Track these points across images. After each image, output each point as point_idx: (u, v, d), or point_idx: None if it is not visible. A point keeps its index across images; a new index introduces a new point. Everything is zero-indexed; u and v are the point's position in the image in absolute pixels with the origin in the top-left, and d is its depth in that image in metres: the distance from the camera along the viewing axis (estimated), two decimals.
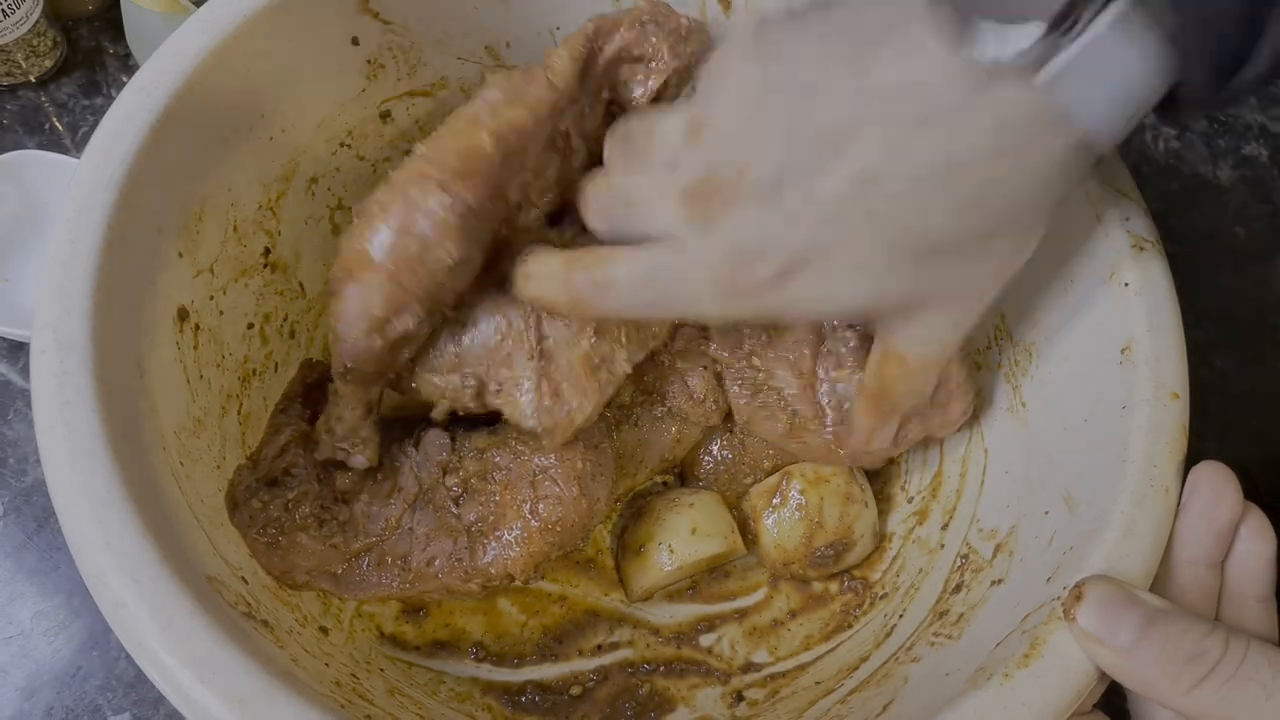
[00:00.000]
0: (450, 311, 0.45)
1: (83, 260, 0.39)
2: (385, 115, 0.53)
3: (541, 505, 0.46)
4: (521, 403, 0.45)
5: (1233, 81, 0.33)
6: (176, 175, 0.43)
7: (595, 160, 0.46)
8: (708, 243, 0.38)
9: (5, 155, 0.62)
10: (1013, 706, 0.35)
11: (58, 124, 0.68)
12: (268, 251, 0.50)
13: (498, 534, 0.46)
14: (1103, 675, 0.36)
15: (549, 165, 0.46)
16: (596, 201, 0.43)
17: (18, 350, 0.61)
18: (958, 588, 0.45)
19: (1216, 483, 0.37)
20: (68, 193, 0.40)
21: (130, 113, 0.41)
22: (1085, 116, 0.33)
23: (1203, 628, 0.33)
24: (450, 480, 0.48)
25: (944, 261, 0.37)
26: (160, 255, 0.43)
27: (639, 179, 0.41)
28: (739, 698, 0.50)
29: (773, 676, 0.50)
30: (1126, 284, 0.42)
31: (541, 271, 0.43)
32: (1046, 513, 0.42)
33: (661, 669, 0.51)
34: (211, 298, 0.46)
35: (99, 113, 0.68)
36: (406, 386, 0.47)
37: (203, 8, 0.44)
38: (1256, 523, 0.38)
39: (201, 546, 0.40)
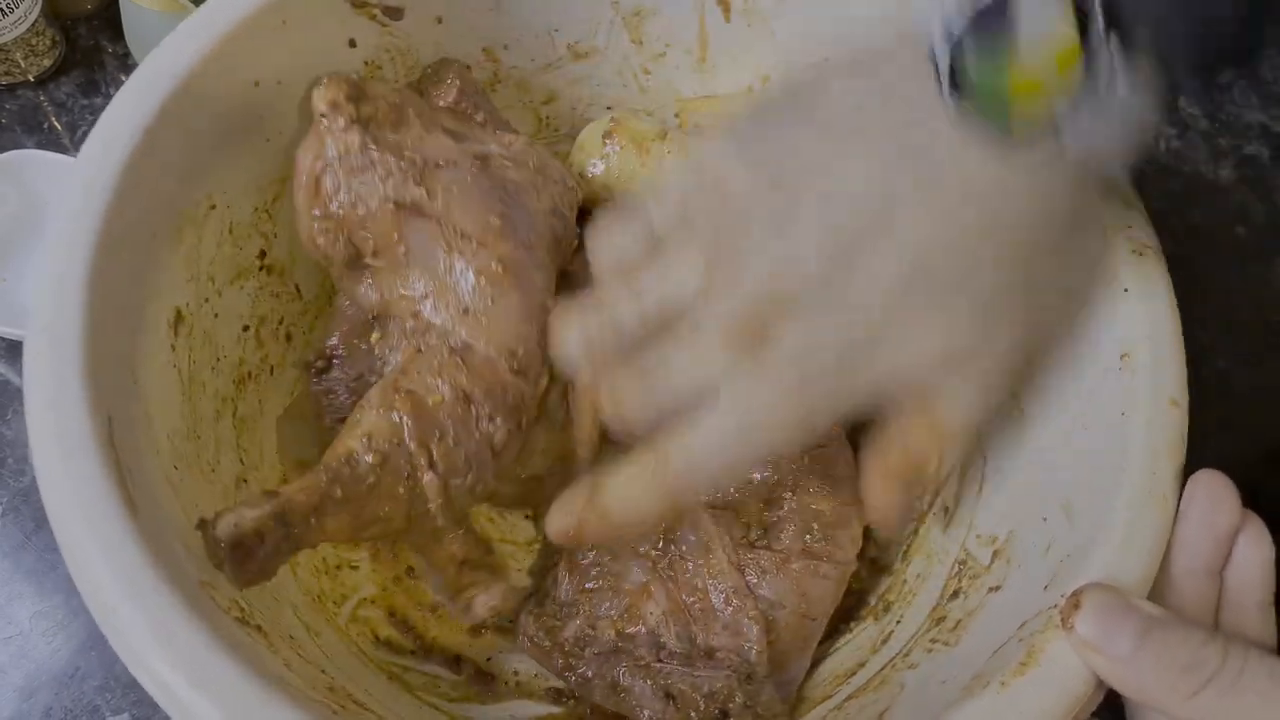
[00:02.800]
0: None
1: (77, 265, 0.39)
2: None
3: None
4: None
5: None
6: (172, 179, 0.43)
7: None
8: (775, 369, 0.37)
9: (4, 155, 0.62)
10: (1009, 715, 0.35)
11: (56, 123, 0.68)
12: (263, 254, 0.50)
13: None
14: (1100, 683, 0.35)
15: None
16: (636, 402, 0.40)
17: (17, 350, 0.61)
18: (955, 594, 0.45)
19: (1214, 490, 0.37)
20: (63, 196, 0.40)
21: (124, 117, 0.41)
22: (1107, 164, 0.36)
23: (1201, 636, 0.33)
24: None
25: (1001, 311, 0.38)
26: (155, 259, 0.43)
27: (671, 354, 0.39)
28: None
29: None
30: (1126, 289, 0.42)
31: (627, 491, 0.39)
32: (1044, 519, 0.42)
33: None
34: (206, 300, 0.46)
35: (98, 112, 0.67)
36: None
37: (200, 10, 0.44)
38: (1255, 530, 0.37)
39: (196, 551, 0.39)
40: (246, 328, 0.49)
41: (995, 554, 0.44)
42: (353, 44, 0.49)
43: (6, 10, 0.63)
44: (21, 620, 0.54)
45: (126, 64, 0.70)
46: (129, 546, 0.34)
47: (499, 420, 0.43)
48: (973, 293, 0.37)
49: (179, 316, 0.44)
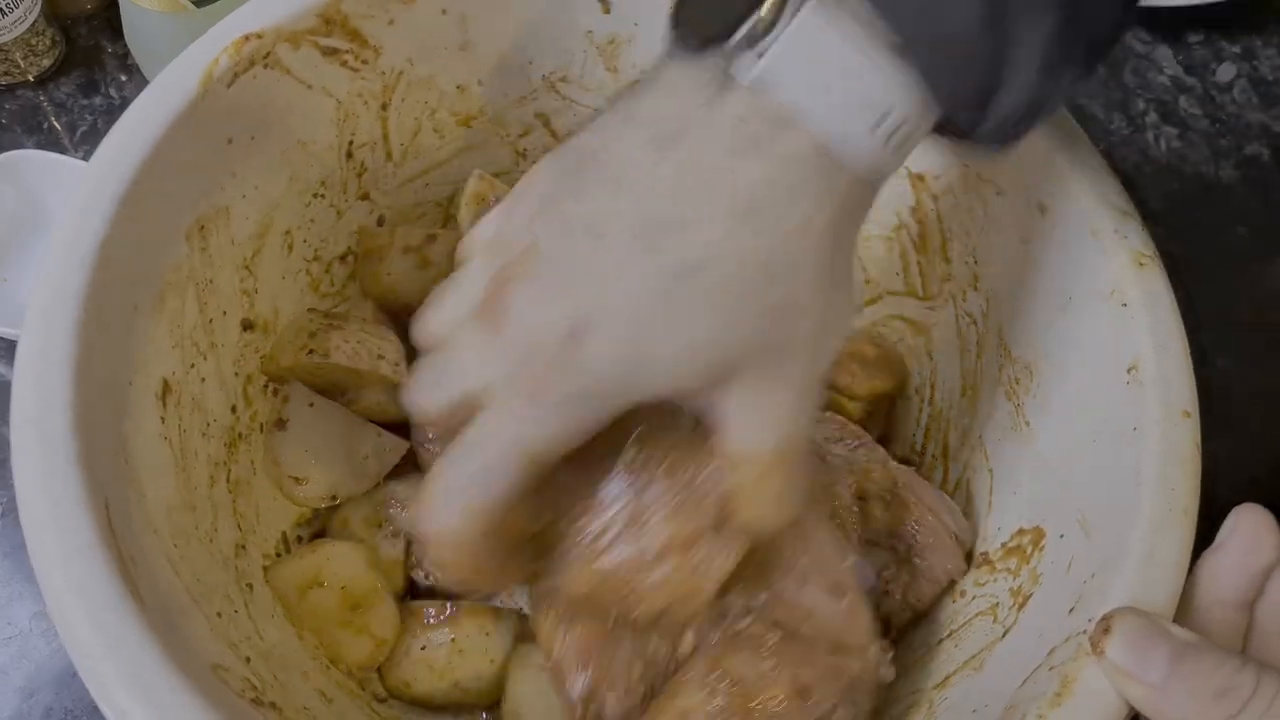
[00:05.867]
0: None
1: (59, 349, 0.37)
2: (361, 164, 0.52)
3: None
4: None
5: (989, 110, 0.33)
6: (149, 248, 0.42)
7: None
8: (504, 346, 0.35)
9: (3, 155, 0.62)
10: None
11: (56, 123, 0.68)
12: (246, 310, 0.49)
13: None
14: (1131, 710, 0.35)
15: None
16: (416, 381, 0.38)
17: (16, 350, 0.60)
18: (978, 615, 0.44)
19: (1256, 527, 0.37)
20: (39, 277, 0.39)
21: (97, 189, 0.40)
22: (811, 118, 0.32)
23: (1234, 663, 0.33)
24: None
25: (739, 302, 0.34)
26: (138, 332, 0.41)
27: (448, 324, 0.37)
28: None
29: None
30: (1125, 304, 0.41)
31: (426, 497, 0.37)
32: (1062, 536, 0.42)
33: None
34: (193, 366, 0.45)
35: (97, 112, 0.68)
36: None
37: (165, 71, 0.43)
38: None
39: (202, 633, 0.38)
40: (235, 388, 0.48)
41: (1012, 572, 0.44)
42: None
43: (6, 10, 0.63)
44: (22, 621, 0.54)
45: (126, 64, 0.69)
46: (139, 643, 0.33)
47: (841, 712, 0.38)
48: (693, 263, 0.33)
49: (166, 387, 0.43)
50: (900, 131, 0.33)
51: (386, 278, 0.54)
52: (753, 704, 0.38)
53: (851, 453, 0.49)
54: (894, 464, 0.48)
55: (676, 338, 0.34)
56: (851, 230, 0.36)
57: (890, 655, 0.42)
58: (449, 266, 0.51)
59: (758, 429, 0.35)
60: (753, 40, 0.32)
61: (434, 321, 0.38)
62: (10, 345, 0.60)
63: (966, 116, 0.34)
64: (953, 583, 0.47)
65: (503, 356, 0.35)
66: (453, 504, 0.35)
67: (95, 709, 0.51)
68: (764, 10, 0.32)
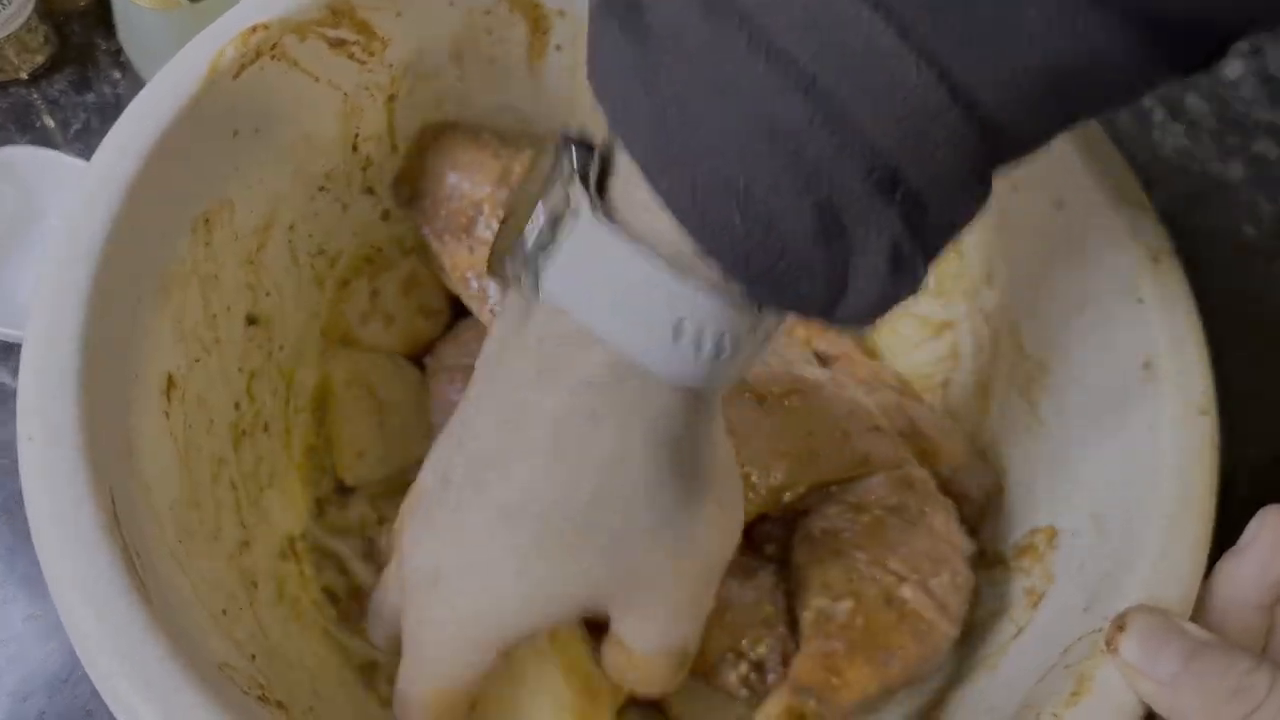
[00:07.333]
0: None
1: (66, 338, 0.37)
2: (366, 157, 0.51)
3: None
4: None
5: (837, 309, 0.29)
6: (154, 241, 0.41)
7: None
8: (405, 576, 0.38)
9: None
10: None
11: (49, 121, 0.67)
12: (250, 305, 0.48)
13: None
14: (1145, 709, 0.35)
15: None
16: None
17: (11, 351, 0.59)
18: (994, 614, 0.44)
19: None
20: (43, 267, 0.38)
21: (102, 181, 0.39)
22: (606, 336, 0.30)
23: (1248, 663, 0.33)
24: None
25: (567, 542, 0.33)
26: (143, 324, 0.41)
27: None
28: None
29: None
30: (1141, 300, 0.41)
31: None
32: (1075, 534, 0.42)
33: None
34: (197, 360, 0.45)
35: (91, 109, 0.67)
36: None
37: (173, 61, 0.42)
38: None
39: (209, 630, 0.38)
40: (239, 385, 0.48)
41: (1025, 571, 0.44)
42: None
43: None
44: (15, 624, 0.53)
45: (119, 60, 0.68)
46: (146, 641, 0.33)
47: (928, 509, 0.43)
48: (528, 501, 0.33)
49: (170, 382, 0.42)
50: (716, 339, 0.30)
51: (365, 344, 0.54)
52: (871, 528, 0.42)
53: (869, 395, 0.49)
54: (907, 400, 0.50)
55: (520, 581, 0.33)
56: (694, 438, 0.33)
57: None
58: (406, 303, 0.54)
59: (643, 639, 0.36)
60: (532, 257, 0.30)
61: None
62: (4, 346, 0.59)
63: (813, 313, 0.30)
64: (989, 501, 0.48)
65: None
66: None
67: (88, 714, 0.51)
68: (540, 223, 0.29)
